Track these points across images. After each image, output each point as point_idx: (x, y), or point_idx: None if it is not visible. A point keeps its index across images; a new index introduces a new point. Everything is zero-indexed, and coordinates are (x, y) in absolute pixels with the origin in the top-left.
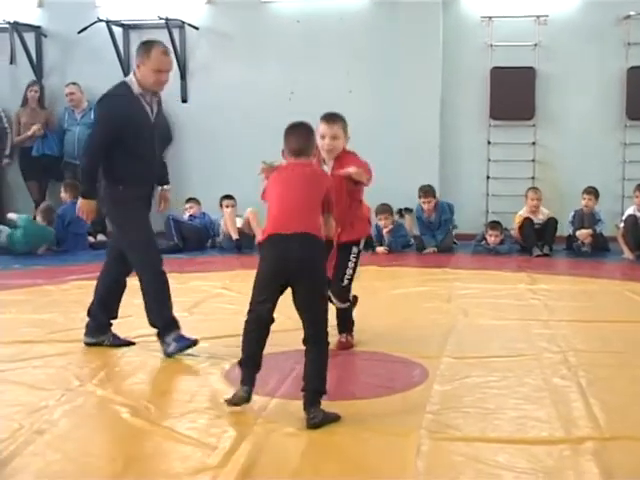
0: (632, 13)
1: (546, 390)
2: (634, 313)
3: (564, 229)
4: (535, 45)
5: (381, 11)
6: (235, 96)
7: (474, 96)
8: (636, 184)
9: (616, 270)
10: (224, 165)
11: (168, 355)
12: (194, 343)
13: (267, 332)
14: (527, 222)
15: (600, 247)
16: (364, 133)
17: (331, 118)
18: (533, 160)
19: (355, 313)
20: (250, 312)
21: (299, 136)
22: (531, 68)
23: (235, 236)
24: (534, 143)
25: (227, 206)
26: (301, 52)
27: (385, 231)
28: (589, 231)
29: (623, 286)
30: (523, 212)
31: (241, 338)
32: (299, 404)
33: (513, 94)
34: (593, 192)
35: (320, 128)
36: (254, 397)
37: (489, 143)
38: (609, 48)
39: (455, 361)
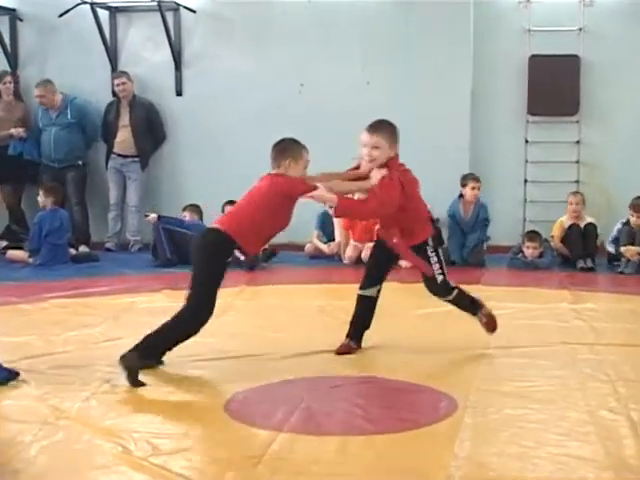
0: None
1: (592, 424)
2: None
3: (606, 241)
4: (580, 30)
5: None
6: (237, 88)
7: (510, 88)
8: None
9: None
10: (226, 166)
11: None
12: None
13: None
14: (574, 228)
15: None
16: None
17: (373, 127)
18: (577, 161)
19: (376, 334)
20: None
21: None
22: (575, 56)
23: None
24: (578, 142)
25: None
26: (312, 38)
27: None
28: (637, 248)
29: None
30: (565, 218)
31: None
32: (310, 439)
33: (554, 86)
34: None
35: (362, 136)
36: (257, 431)
37: (527, 142)
38: None
39: (487, 391)
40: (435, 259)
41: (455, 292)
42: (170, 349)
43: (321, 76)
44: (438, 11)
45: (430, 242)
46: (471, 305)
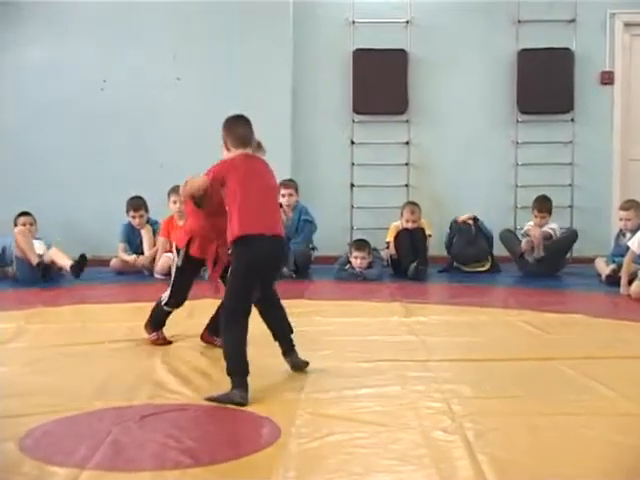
0: None
1: (425, 447)
2: (530, 349)
3: (443, 248)
4: (407, 22)
5: None
6: (34, 85)
7: (334, 86)
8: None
9: (508, 296)
10: (17, 171)
11: None
12: None
13: None
14: (403, 233)
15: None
16: (197, 129)
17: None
18: (407, 164)
19: (192, 358)
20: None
21: (245, 125)
22: (402, 50)
23: (35, 260)
24: (408, 143)
25: (23, 224)
26: (115, 32)
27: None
28: (469, 214)
29: (517, 316)
30: (399, 223)
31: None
32: (118, 477)
33: (381, 82)
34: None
35: None
36: (55, 470)
37: (353, 143)
38: (497, 26)
39: (313, 414)
40: None
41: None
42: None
43: (126, 72)
44: (256, 3)
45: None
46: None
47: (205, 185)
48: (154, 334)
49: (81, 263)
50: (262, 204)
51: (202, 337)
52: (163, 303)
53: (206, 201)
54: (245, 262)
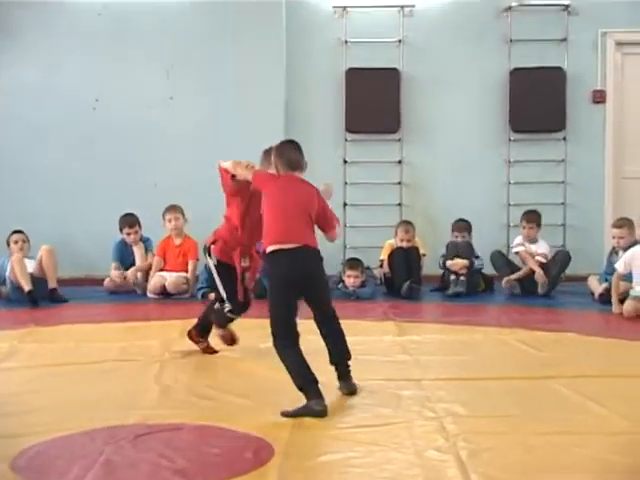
0: (514, 4)
1: (419, 466)
2: (525, 367)
3: (437, 267)
4: (399, 41)
5: None
6: (26, 104)
7: (326, 105)
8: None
9: (501, 314)
10: (11, 190)
11: None
12: None
13: None
14: (398, 251)
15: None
16: (190, 148)
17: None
18: (399, 183)
19: (182, 375)
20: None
21: (295, 151)
22: (395, 69)
23: (27, 287)
24: (400, 162)
25: (15, 242)
26: (107, 51)
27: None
28: (464, 261)
29: (510, 334)
30: (393, 241)
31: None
32: None
33: (374, 101)
34: (463, 227)
35: None
36: None
37: (345, 162)
38: (489, 45)
39: (307, 434)
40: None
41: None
42: None
43: (118, 91)
44: (246, 22)
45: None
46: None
47: (247, 178)
48: (204, 341)
49: (32, 299)
50: (293, 219)
51: (189, 333)
52: (227, 310)
53: (239, 187)
54: (275, 278)
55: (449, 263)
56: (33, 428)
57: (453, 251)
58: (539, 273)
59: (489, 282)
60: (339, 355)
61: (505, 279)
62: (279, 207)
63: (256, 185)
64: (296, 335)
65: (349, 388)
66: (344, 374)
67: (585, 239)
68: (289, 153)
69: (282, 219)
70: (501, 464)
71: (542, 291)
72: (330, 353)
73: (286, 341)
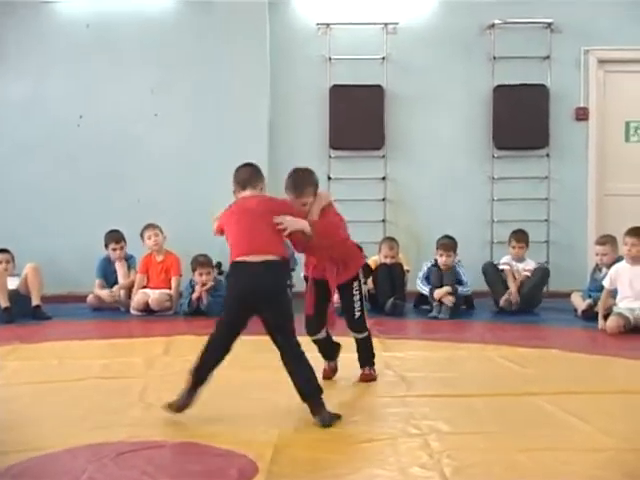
0: (497, 21)
1: None
2: (508, 384)
3: (417, 280)
4: (383, 59)
5: (194, 13)
6: (10, 120)
7: (311, 122)
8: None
9: (485, 331)
10: None
11: None
12: None
13: None
14: (382, 267)
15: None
16: (174, 165)
17: (297, 189)
18: (383, 199)
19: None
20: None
21: (244, 171)
22: (379, 86)
23: (4, 304)
24: (384, 178)
25: (0, 262)
26: (92, 65)
27: (204, 289)
28: (447, 289)
29: (494, 351)
30: (377, 258)
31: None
32: None
33: (358, 118)
34: (449, 245)
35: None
36: None
37: (329, 179)
38: (473, 62)
39: (291, 451)
40: (357, 297)
41: (366, 334)
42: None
43: (103, 107)
44: (232, 37)
45: (359, 275)
46: (370, 355)
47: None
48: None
49: (8, 316)
50: (248, 230)
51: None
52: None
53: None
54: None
55: (435, 293)
56: (15, 446)
57: (437, 282)
58: (513, 292)
59: (469, 301)
60: (301, 389)
61: (503, 299)
62: (233, 225)
63: (218, 229)
64: (220, 354)
65: (323, 422)
66: (313, 411)
67: (568, 256)
68: (239, 174)
69: (236, 233)
70: None
71: (514, 306)
72: (294, 384)
73: (210, 347)
